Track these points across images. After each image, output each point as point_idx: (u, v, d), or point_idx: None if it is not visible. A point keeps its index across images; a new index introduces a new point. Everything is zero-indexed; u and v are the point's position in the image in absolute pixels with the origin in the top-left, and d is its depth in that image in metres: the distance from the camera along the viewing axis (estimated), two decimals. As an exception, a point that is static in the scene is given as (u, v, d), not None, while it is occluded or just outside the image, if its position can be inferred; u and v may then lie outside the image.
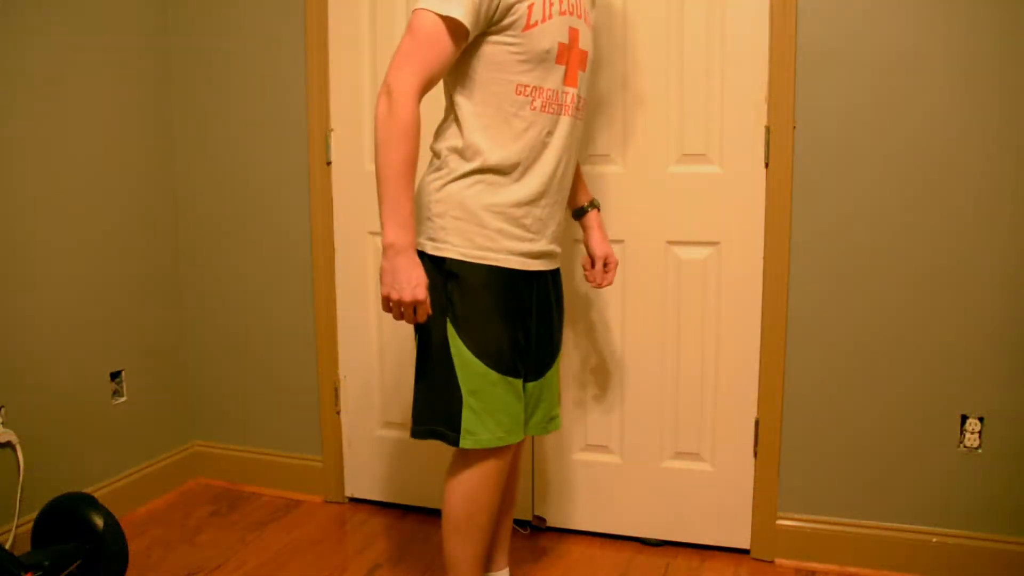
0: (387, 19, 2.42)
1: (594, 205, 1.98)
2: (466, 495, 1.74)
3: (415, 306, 1.58)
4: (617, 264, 2.00)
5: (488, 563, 1.96)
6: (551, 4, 1.61)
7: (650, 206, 2.27)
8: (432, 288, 1.64)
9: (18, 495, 2.21)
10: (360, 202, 2.50)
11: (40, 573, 1.87)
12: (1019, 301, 2.04)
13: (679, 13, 2.18)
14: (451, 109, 1.68)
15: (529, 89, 1.63)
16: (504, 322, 1.68)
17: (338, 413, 2.64)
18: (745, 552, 2.32)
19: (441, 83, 1.68)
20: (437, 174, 1.68)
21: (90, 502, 2.06)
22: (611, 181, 2.29)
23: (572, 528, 2.46)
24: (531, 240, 1.70)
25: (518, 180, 1.66)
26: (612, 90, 2.26)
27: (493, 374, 1.67)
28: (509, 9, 1.57)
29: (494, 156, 1.63)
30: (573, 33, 1.67)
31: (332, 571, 2.24)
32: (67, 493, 2.11)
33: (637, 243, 2.29)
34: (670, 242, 2.27)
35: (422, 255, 1.66)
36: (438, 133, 1.71)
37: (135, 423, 2.62)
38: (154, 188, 2.67)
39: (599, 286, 1.99)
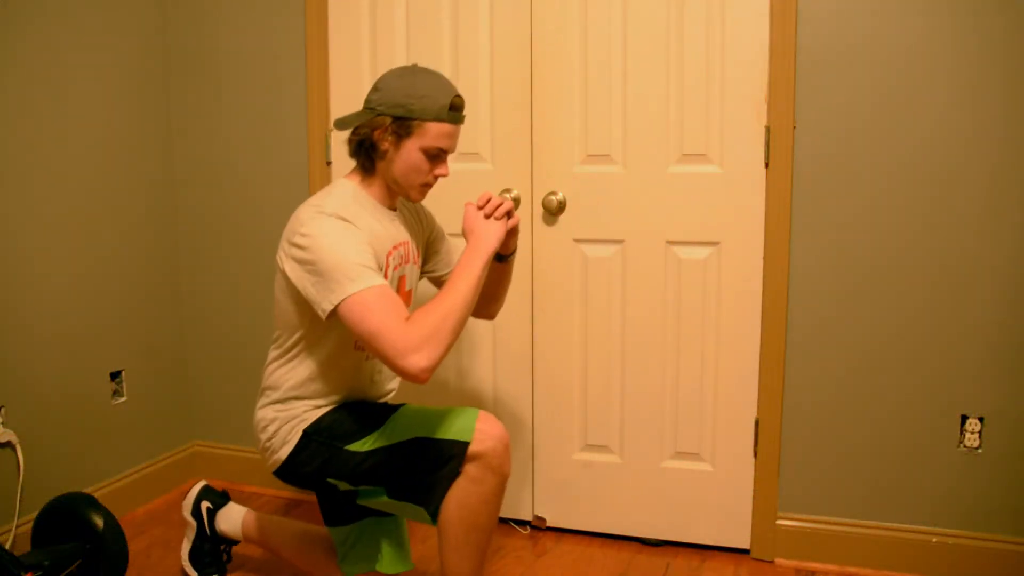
0: (387, 19, 2.42)
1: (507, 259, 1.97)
2: (462, 502, 1.73)
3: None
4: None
5: None
6: (388, 264, 1.75)
7: (650, 206, 2.27)
8: (315, 459, 1.77)
9: (18, 495, 2.21)
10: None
11: (40, 573, 1.87)
12: (1019, 301, 2.04)
13: (679, 13, 2.18)
14: (289, 348, 1.80)
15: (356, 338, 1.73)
16: (361, 408, 1.83)
17: (338, 413, 2.64)
18: (745, 552, 2.32)
19: (279, 310, 1.82)
20: (277, 407, 1.80)
21: (90, 502, 2.06)
22: (611, 181, 2.29)
23: (572, 528, 2.46)
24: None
25: (328, 394, 1.81)
26: (612, 90, 2.26)
27: (380, 428, 1.76)
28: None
29: (310, 382, 1.78)
30: (401, 281, 1.82)
31: (332, 571, 2.23)
32: (67, 493, 2.11)
33: (637, 243, 2.29)
34: (670, 242, 2.27)
35: (289, 462, 1.79)
36: (274, 368, 1.82)
37: (135, 423, 2.62)
38: (154, 188, 2.67)
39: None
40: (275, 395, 1.81)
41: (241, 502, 2.66)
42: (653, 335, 2.31)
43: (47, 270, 2.31)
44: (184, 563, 2.15)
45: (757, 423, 2.26)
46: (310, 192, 2.57)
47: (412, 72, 1.74)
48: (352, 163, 1.82)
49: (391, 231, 1.79)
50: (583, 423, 2.41)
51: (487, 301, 1.93)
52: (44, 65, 2.28)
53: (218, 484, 2.81)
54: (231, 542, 2.18)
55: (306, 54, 2.52)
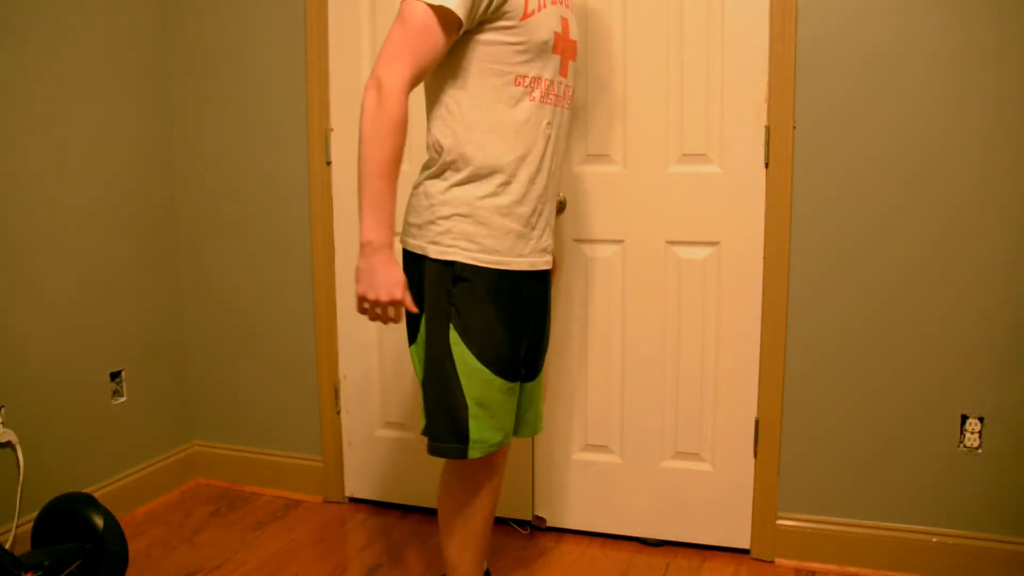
0: (387, 19, 2.42)
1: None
2: (460, 500, 1.74)
3: (391, 306, 1.53)
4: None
5: None
6: None
7: (650, 206, 2.27)
8: (434, 294, 1.61)
9: (18, 495, 2.21)
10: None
11: (40, 573, 1.87)
12: (1019, 302, 2.04)
13: (679, 13, 2.18)
14: (445, 104, 1.61)
15: (528, 80, 1.59)
16: (510, 328, 1.65)
17: (338, 413, 2.64)
18: (745, 552, 2.32)
19: (425, 81, 1.64)
20: (438, 176, 1.62)
21: (90, 502, 2.06)
22: (611, 181, 2.29)
23: (572, 528, 2.46)
24: (536, 238, 1.68)
25: (520, 175, 1.62)
26: (612, 90, 2.26)
27: (498, 380, 1.64)
28: (501, 3, 1.54)
29: (495, 153, 1.59)
30: (564, 22, 1.66)
31: (332, 571, 2.24)
32: (67, 493, 2.11)
33: (637, 243, 2.29)
34: (670, 242, 2.27)
35: (422, 259, 1.63)
36: (434, 131, 1.63)
37: (135, 423, 2.62)
38: (154, 188, 2.67)
39: None
40: (449, 168, 1.60)
41: (241, 502, 2.67)
42: (653, 335, 2.31)
43: (47, 270, 2.32)
44: None
45: (757, 423, 2.26)
46: (310, 192, 2.57)
47: None
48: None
49: None
50: (583, 423, 2.41)
51: None
52: (44, 65, 2.28)
53: (218, 484, 2.81)
54: None
55: (306, 54, 2.52)
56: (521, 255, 1.65)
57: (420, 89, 1.67)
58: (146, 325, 2.66)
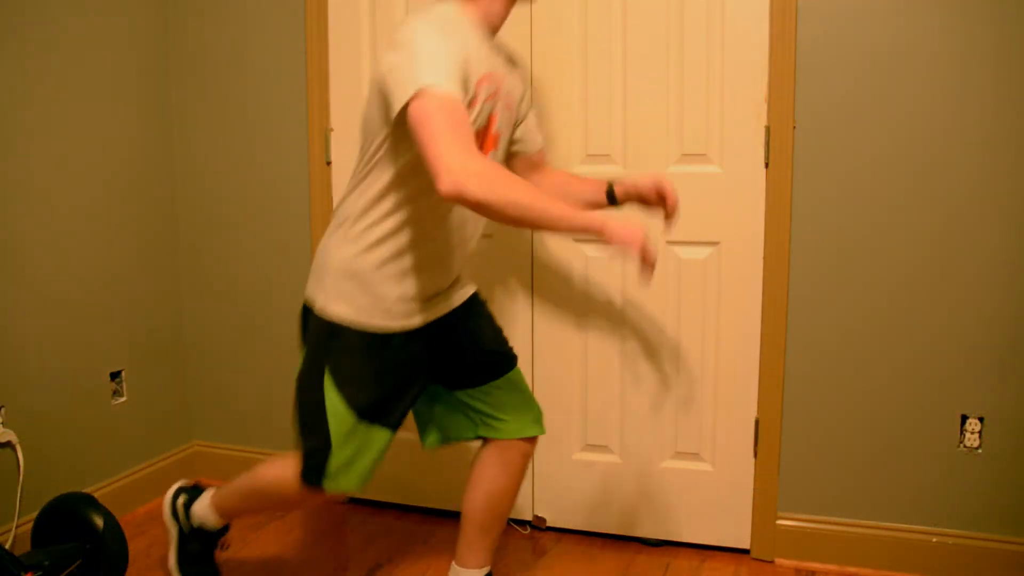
0: (387, 19, 2.42)
1: (611, 184, 1.89)
2: (275, 497, 1.87)
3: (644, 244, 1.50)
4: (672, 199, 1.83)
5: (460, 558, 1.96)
6: (480, 90, 1.61)
7: (650, 206, 2.27)
8: (316, 340, 1.71)
9: (18, 495, 2.21)
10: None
11: (40, 573, 1.87)
12: (1019, 302, 2.04)
13: (679, 13, 2.18)
14: (365, 174, 1.67)
15: None
16: (380, 377, 1.72)
17: (338, 413, 2.64)
18: (745, 552, 2.32)
19: (360, 139, 1.69)
20: (340, 236, 1.70)
21: (90, 502, 2.06)
22: (611, 181, 2.29)
23: (572, 528, 2.46)
24: (418, 302, 1.74)
25: (417, 252, 1.69)
26: (612, 90, 2.26)
27: (362, 424, 1.70)
28: (465, 87, 1.55)
29: (399, 230, 1.66)
30: (491, 119, 1.69)
31: (332, 571, 2.24)
32: (67, 493, 2.11)
33: (637, 243, 2.29)
34: (670, 242, 2.27)
35: (309, 309, 1.74)
36: (347, 195, 1.71)
37: (135, 423, 2.62)
38: (154, 188, 2.67)
39: (669, 218, 1.85)
40: (354, 235, 1.67)
41: (241, 502, 2.66)
42: (653, 335, 2.31)
43: (47, 270, 2.31)
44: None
45: (757, 423, 2.26)
46: (310, 192, 2.58)
47: None
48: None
49: (488, 57, 1.65)
50: (583, 423, 2.41)
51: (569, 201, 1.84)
52: (44, 65, 2.28)
53: (218, 484, 2.81)
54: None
55: (306, 54, 2.52)
56: (394, 319, 1.71)
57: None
58: (146, 325, 2.66)
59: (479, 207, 1.43)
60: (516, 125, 1.88)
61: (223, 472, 2.81)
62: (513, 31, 2.31)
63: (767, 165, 2.17)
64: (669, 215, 1.83)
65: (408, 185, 1.64)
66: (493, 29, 1.70)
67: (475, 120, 1.62)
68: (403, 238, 1.67)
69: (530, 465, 2.46)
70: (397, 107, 1.49)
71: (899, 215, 2.10)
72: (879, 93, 2.07)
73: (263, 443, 2.76)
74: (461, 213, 1.73)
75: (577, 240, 2.34)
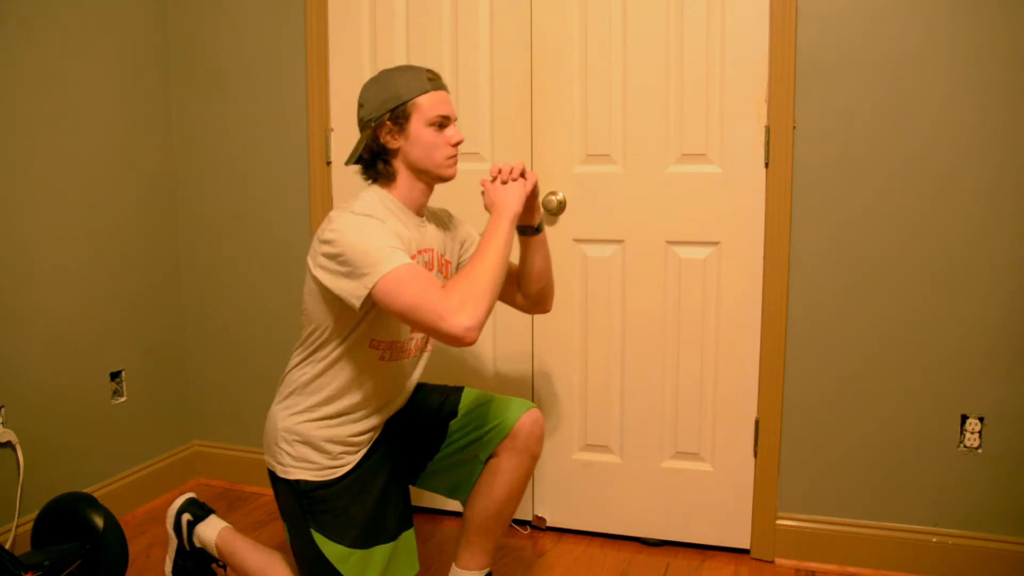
0: (387, 19, 2.42)
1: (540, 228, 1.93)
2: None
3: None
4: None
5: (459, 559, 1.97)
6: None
7: (650, 206, 2.27)
8: (288, 507, 1.80)
9: (18, 495, 2.21)
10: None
11: (40, 573, 1.87)
12: (1019, 301, 2.04)
13: (679, 13, 2.18)
14: (311, 350, 1.77)
15: (379, 343, 1.75)
16: (363, 504, 1.79)
17: (338, 413, 2.64)
18: (745, 552, 2.32)
19: (307, 313, 1.76)
20: (286, 404, 1.81)
21: (90, 502, 2.06)
22: (611, 181, 2.29)
23: (572, 528, 2.46)
24: (365, 442, 1.83)
25: (358, 414, 1.79)
26: (612, 90, 2.26)
27: (364, 552, 1.77)
28: None
29: (338, 398, 1.76)
30: None
31: None
32: (67, 493, 2.11)
33: (637, 243, 2.29)
34: (670, 242, 2.27)
35: (273, 475, 1.82)
36: (294, 366, 1.81)
37: (135, 423, 2.62)
38: (154, 188, 2.67)
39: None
40: (300, 404, 1.80)
41: (241, 502, 2.67)
42: (653, 335, 2.31)
43: (47, 270, 2.31)
44: None
45: (757, 423, 2.26)
46: (310, 192, 2.58)
47: (382, 73, 1.79)
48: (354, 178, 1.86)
49: (416, 236, 1.78)
50: (583, 423, 2.41)
51: (533, 281, 1.93)
52: (43, 65, 2.28)
53: (218, 484, 2.81)
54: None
55: (306, 54, 2.52)
56: (348, 461, 1.80)
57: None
58: (146, 325, 2.66)
59: (482, 322, 1.55)
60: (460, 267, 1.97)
61: (223, 472, 2.81)
62: (513, 34, 2.31)
63: (767, 165, 2.17)
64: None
65: (355, 356, 1.75)
66: (417, 209, 1.81)
67: None
68: (351, 398, 1.77)
69: (530, 465, 2.46)
70: (359, 299, 1.59)
71: (900, 214, 2.10)
72: (880, 92, 2.07)
73: (263, 443, 2.76)
74: (397, 381, 1.84)
75: (577, 240, 2.34)
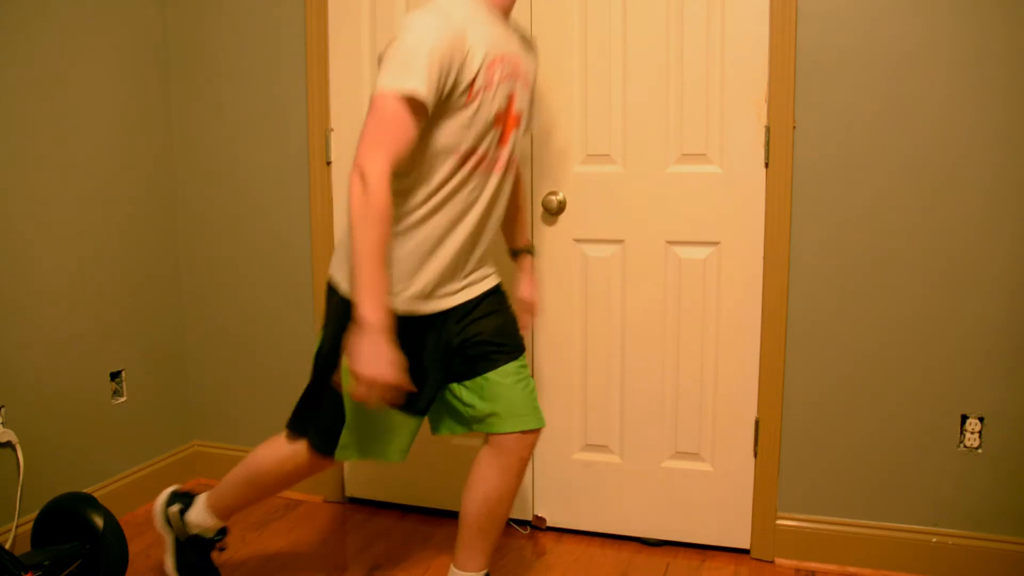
0: (387, 19, 2.42)
1: (529, 251, 2.03)
2: (286, 471, 1.89)
3: (382, 384, 1.56)
4: (536, 314, 2.07)
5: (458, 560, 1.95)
6: (493, 72, 1.66)
7: (650, 206, 2.27)
8: (337, 320, 1.74)
9: (18, 495, 2.21)
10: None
11: (40, 573, 1.87)
12: (1019, 301, 2.04)
13: (679, 13, 2.18)
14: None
15: (463, 151, 1.68)
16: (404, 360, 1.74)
17: (338, 413, 2.64)
18: (745, 552, 2.32)
19: None
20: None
21: (90, 502, 2.06)
22: (611, 181, 2.29)
23: (572, 528, 2.46)
24: (434, 289, 1.76)
25: (441, 239, 1.72)
26: (611, 90, 2.26)
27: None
28: (461, 82, 1.61)
29: (426, 217, 1.70)
30: (511, 97, 1.73)
31: (332, 571, 2.24)
32: (67, 493, 2.11)
33: (637, 243, 2.29)
34: (670, 242, 2.27)
35: (333, 290, 1.78)
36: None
37: (135, 423, 2.62)
38: (154, 188, 2.67)
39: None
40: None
41: (241, 502, 2.66)
42: (653, 335, 2.31)
43: (47, 270, 2.32)
44: None
45: (757, 423, 2.26)
46: (310, 192, 2.58)
47: None
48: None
49: (501, 39, 1.70)
50: (583, 423, 2.41)
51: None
52: (43, 65, 2.28)
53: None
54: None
55: (306, 54, 2.52)
56: (416, 301, 1.74)
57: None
58: (146, 325, 2.66)
59: (349, 207, 1.55)
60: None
61: (223, 472, 2.80)
62: (513, 31, 2.31)
63: (767, 165, 2.17)
64: (524, 325, 1.97)
65: (433, 171, 1.67)
66: (505, 11, 1.74)
67: (492, 102, 1.66)
68: (429, 225, 1.70)
69: (530, 465, 2.46)
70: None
71: (900, 215, 2.10)
72: (880, 92, 2.07)
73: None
74: (488, 202, 1.76)
75: (577, 240, 2.34)
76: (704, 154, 2.22)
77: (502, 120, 1.71)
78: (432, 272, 1.74)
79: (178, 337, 2.79)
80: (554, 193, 2.32)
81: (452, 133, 1.65)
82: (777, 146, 2.15)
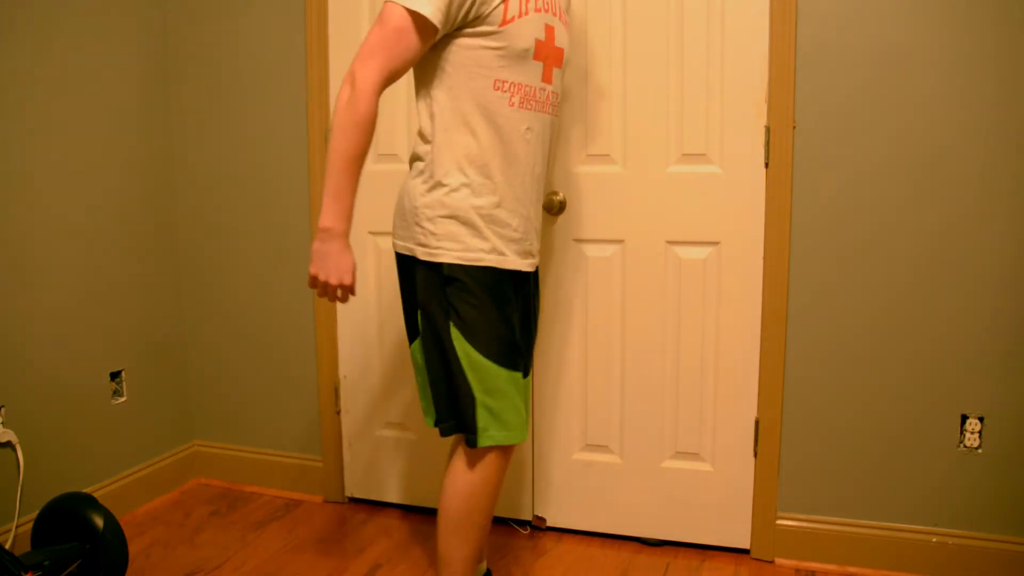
0: (387, 19, 2.42)
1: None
2: (467, 494, 1.74)
3: (340, 288, 1.64)
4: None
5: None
6: (527, 1, 1.62)
7: (650, 206, 2.27)
8: (428, 293, 1.67)
9: (18, 495, 2.21)
10: (360, 202, 2.49)
11: (40, 573, 1.87)
12: (1019, 301, 2.04)
13: (679, 13, 2.18)
14: (429, 108, 1.67)
15: (507, 85, 1.63)
16: (504, 320, 1.69)
17: (338, 413, 2.64)
18: (745, 552, 2.32)
19: (414, 81, 1.69)
20: (420, 178, 1.68)
21: (90, 502, 2.06)
22: (611, 181, 2.29)
23: (572, 528, 2.46)
24: (520, 240, 1.72)
25: (499, 178, 1.67)
26: (612, 90, 2.26)
27: (503, 371, 1.68)
28: (483, 5, 1.57)
29: (475, 155, 1.64)
30: (549, 30, 1.68)
31: (332, 571, 2.24)
32: (67, 493, 2.11)
33: (637, 243, 2.29)
34: (670, 242, 2.27)
35: (411, 259, 1.69)
36: (419, 134, 1.70)
37: (135, 423, 2.62)
38: (154, 188, 2.67)
39: None
40: (422, 166, 1.67)
41: (241, 502, 2.67)
42: (653, 335, 2.31)
43: (47, 270, 2.32)
44: None
45: (757, 423, 2.26)
46: (310, 192, 2.58)
47: None
48: None
49: None
50: (583, 423, 2.41)
51: None
52: (43, 67, 2.28)
53: (218, 484, 2.82)
54: None
55: (306, 54, 2.52)
56: (504, 254, 1.69)
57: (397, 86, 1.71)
58: (146, 325, 2.66)
59: (334, 111, 1.56)
60: None
61: (223, 472, 2.81)
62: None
63: (767, 165, 2.17)
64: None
65: (489, 103, 1.63)
66: None
67: (530, 32, 1.62)
68: (487, 167, 1.65)
69: (530, 465, 2.46)
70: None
71: (899, 215, 2.10)
72: (880, 92, 2.07)
73: (263, 443, 2.77)
74: (542, 146, 1.73)
75: (577, 240, 2.34)
76: (704, 154, 2.22)
77: (543, 53, 1.67)
78: (506, 220, 1.68)
79: (178, 337, 2.79)
80: (555, 193, 2.32)
81: (489, 61, 1.61)
82: (777, 146, 2.15)
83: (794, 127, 2.13)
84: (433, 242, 1.66)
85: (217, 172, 2.70)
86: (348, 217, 1.60)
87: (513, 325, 1.71)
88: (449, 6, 1.54)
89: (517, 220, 1.70)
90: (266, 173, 2.64)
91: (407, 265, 1.72)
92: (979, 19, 1.98)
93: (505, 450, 1.73)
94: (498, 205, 1.67)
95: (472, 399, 1.67)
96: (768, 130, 2.15)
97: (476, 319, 1.65)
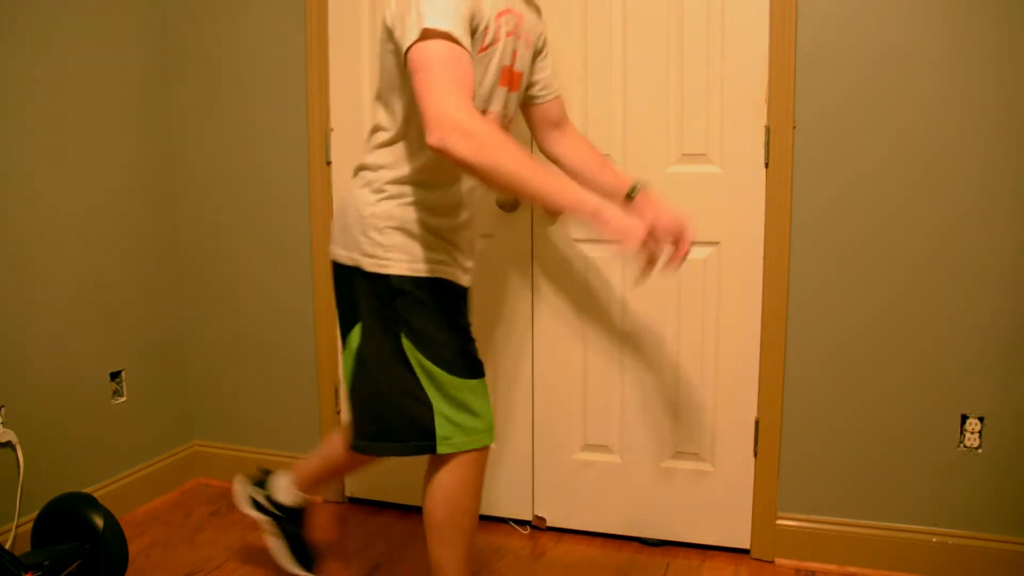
0: (387, 19, 2.42)
1: (641, 185, 1.79)
2: (445, 500, 1.73)
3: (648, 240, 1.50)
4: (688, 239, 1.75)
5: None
6: (499, 27, 1.60)
7: (650, 206, 2.27)
8: (374, 305, 1.65)
9: (18, 495, 2.21)
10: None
11: (40, 573, 1.87)
12: (1019, 301, 2.04)
13: (679, 13, 2.18)
14: (387, 117, 1.65)
15: (480, 108, 1.62)
16: (456, 330, 1.70)
17: (338, 413, 2.64)
18: (745, 552, 2.32)
19: (378, 85, 1.67)
20: (369, 188, 1.66)
21: (90, 502, 2.06)
22: (611, 181, 2.29)
23: (572, 528, 2.46)
24: (466, 254, 1.74)
25: (448, 193, 1.66)
26: (611, 90, 2.26)
27: (458, 380, 1.66)
28: (477, 30, 1.55)
29: (428, 168, 1.63)
30: (513, 55, 1.68)
31: (332, 571, 2.24)
32: (67, 493, 2.11)
33: (637, 243, 2.29)
34: (670, 242, 2.26)
35: (353, 270, 1.66)
36: (371, 145, 1.69)
37: (135, 423, 2.62)
38: (154, 188, 2.67)
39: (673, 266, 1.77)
40: (371, 176, 1.64)
41: (241, 502, 2.66)
42: (653, 335, 2.31)
43: (47, 270, 2.32)
44: (294, 570, 2.07)
45: (757, 423, 2.26)
46: (310, 192, 2.58)
47: None
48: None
49: None
50: (583, 423, 2.41)
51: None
52: (43, 67, 2.28)
53: (218, 484, 2.82)
54: (301, 509, 2.06)
55: (306, 54, 2.52)
56: (450, 267, 1.69)
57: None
58: (146, 325, 2.66)
59: (464, 166, 1.40)
60: (533, 66, 1.83)
61: (223, 472, 2.81)
62: (513, 31, 2.31)
63: (767, 165, 2.17)
64: (674, 260, 1.75)
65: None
66: None
67: (499, 58, 1.61)
68: (437, 181, 1.64)
69: (530, 465, 2.46)
70: (403, 49, 1.46)
71: (899, 216, 2.10)
72: (880, 92, 2.07)
73: (263, 443, 2.77)
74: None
75: (577, 240, 2.34)
76: (704, 154, 2.22)
77: (505, 78, 1.66)
78: (463, 241, 1.71)
79: (178, 337, 2.79)
80: (554, 193, 2.31)
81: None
82: (777, 146, 2.15)
83: (794, 127, 2.13)
84: (381, 253, 1.63)
85: (217, 172, 2.70)
86: (588, 193, 1.46)
87: (465, 335, 1.72)
88: (468, 26, 1.50)
89: (460, 239, 1.72)
90: (266, 173, 2.64)
91: (346, 276, 1.70)
92: (979, 19, 1.98)
93: (479, 449, 1.72)
94: (445, 218, 1.67)
95: (429, 407, 1.65)
96: (768, 130, 2.15)
97: (428, 330, 1.64)
